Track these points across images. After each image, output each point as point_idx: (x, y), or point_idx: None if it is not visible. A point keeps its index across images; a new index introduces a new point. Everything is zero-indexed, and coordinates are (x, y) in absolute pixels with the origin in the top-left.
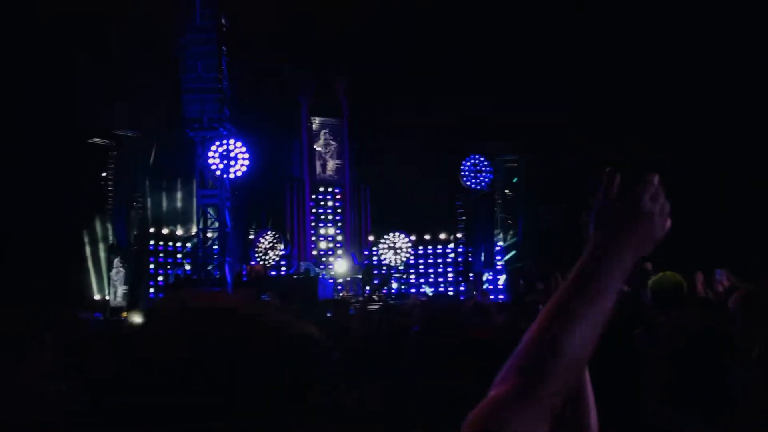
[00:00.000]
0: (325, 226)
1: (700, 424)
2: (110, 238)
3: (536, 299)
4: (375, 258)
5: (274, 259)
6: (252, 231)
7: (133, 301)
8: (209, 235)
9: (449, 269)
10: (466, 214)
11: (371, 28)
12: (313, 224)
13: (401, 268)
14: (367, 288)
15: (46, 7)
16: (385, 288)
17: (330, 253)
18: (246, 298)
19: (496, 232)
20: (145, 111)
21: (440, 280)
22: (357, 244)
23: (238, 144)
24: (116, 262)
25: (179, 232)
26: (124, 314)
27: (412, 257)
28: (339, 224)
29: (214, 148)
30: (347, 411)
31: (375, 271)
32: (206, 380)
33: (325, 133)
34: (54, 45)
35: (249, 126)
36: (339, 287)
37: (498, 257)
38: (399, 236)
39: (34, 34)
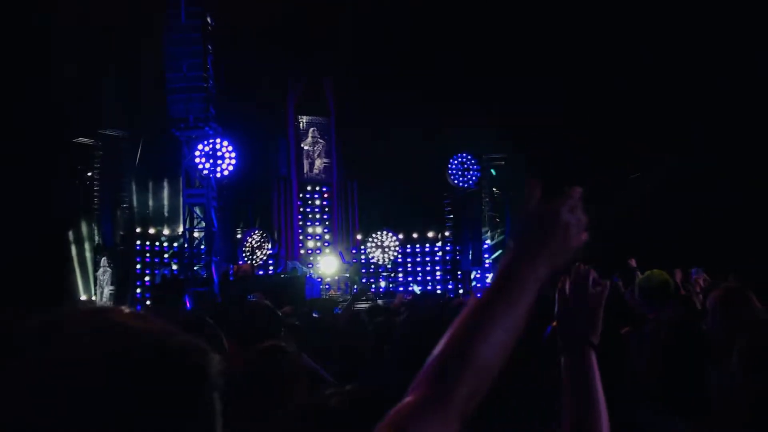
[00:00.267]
0: (313, 224)
1: (681, 426)
2: (96, 237)
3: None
4: (363, 257)
5: (261, 259)
6: (239, 230)
7: (119, 301)
8: (196, 234)
9: (437, 267)
10: (453, 213)
11: (359, 26)
12: (300, 223)
13: (389, 266)
14: (355, 287)
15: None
16: (373, 288)
17: (318, 251)
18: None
19: (484, 230)
20: (130, 110)
21: (428, 278)
22: (345, 242)
23: (225, 143)
24: (103, 261)
25: (166, 231)
26: None
27: (400, 256)
28: (327, 223)
29: (200, 147)
30: (331, 412)
31: (363, 270)
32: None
33: (312, 132)
34: (36, 43)
35: (235, 125)
36: (326, 286)
37: (486, 255)
38: (387, 235)
39: (17, 33)
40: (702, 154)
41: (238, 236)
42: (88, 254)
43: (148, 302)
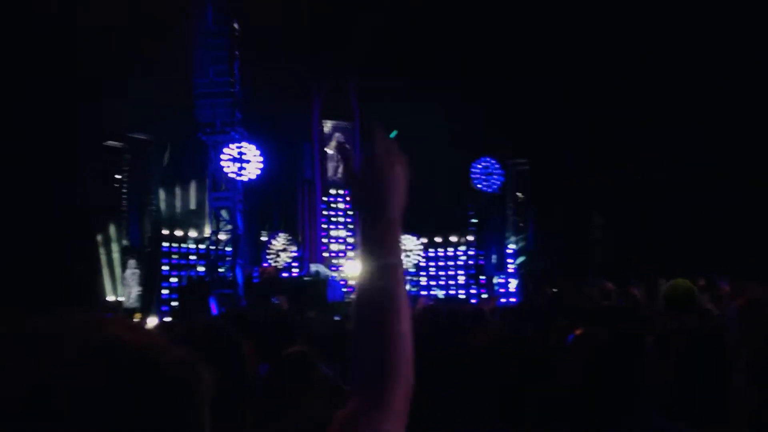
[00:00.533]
0: (337, 228)
1: None
2: (124, 239)
3: (544, 304)
4: None
5: (285, 261)
6: (264, 233)
7: (146, 302)
8: (221, 237)
9: (460, 272)
10: (477, 217)
11: (383, 31)
12: (324, 226)
13: (411, 270)
14: None
15: (61, 9)
16: None
17: (341, 255)
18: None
19: (507, 235)
20: (157, 114)
21: (451, 282)
22: None
23: (251, 147)
24: (131, 263)
25: (192, 234)
26: (138, 316)
27: (422, 260)
28: (350, 226)
29: (227, 151)
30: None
31: None
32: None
33: (336, 136)
34: (66, 47)
35: (261, 129)
36: (349, 289)
37: (510, 260)
38: (409, 238)
39: (48, 36)
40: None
41: (263, 239)
42: (115, 255)
43: (174, 303)
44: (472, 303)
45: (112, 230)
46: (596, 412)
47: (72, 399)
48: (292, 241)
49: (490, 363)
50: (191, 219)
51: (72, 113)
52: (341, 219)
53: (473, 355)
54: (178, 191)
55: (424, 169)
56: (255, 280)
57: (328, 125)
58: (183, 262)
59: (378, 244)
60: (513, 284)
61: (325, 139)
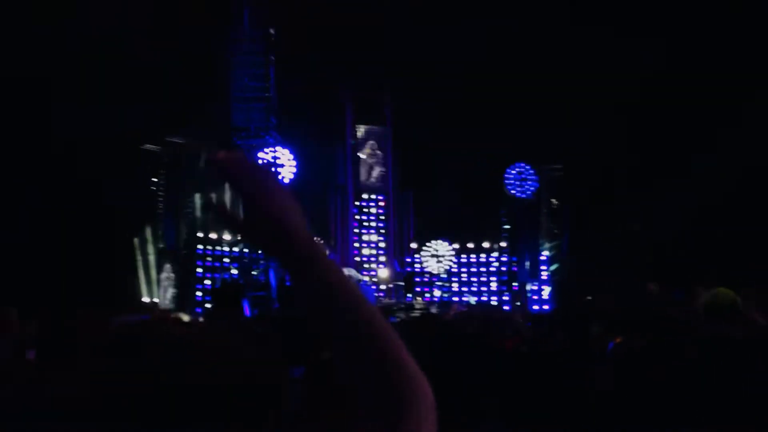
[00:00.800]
0: (368, 232)
1: None
2: (160, 242)
3: (585, 312)
4: (417, 265)
5: None
6: None
7: (180, 303)
8: None
9: (492, 278)
10: (510, 223)
11: (416, 38)
12: (356, 231)
13: (443, 276)
14: (408, 295)
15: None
16: (427, 297)
17: (372, 259)
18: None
19: (541, 241)
20: (194, 119)
21: (483, 289)
22: (399, 251)
23: (285, 151)
24: (167, 266)
25: (226, 237)
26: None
27: (454, 265)
28: (382, 231)
29: (261, 155)
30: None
31: (417, 279)
32: None
33: (369, 142)
34: (105, 54)
35: (295, 134)
36: (380, 294)
37: (543, 267)
38: (442, 244)
39: (85, 45)
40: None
41: None
42: (151, 257)
43: (207, 305)
44: (505, 309)
45: (148, 233)
46: (632, 417)
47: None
48: (324, 244)
49: (518, 369)
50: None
51: (110, 117)
52: (373, 224)
53: (503, 361)
54: (213, 194)
55: (457, 174)
56: (287, 283)
57: (361, 130)
58: (217, 264)
59: (309, 285)
60: (546, 291)
61: (358, 144)
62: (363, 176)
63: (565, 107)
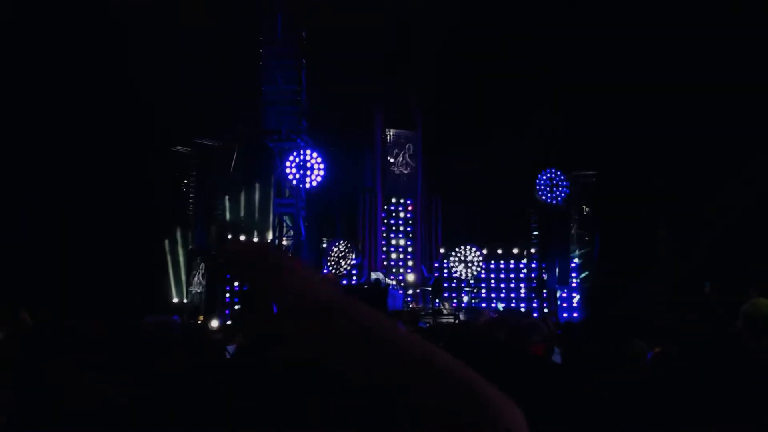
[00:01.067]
0: (396, 237)
1: None
2: (190, 243)
3: (612, 320)
4: (445, 271)
5: (345, 269)
6: (324, 240)
7: (210, 305)
8: (284, 243)
9: (522, 285)
10: (540, 229)
11: (446, 41)
12: (384, 235)
13: (472, 281)
14: (437, 301)
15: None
16: (455, 303)
17: (400, 264)
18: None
19: (571, 248)
20: (226, 121)
21: (512, 295)
22: (427, 256)
23: (314, 155)
24: (198, 266)
25: (255, 238)
26: (200, 317)
27: (483, 271)
28: (410, 235)
29: (291, 158)
30: None
31: (445, 284)
32: None
33: (398, 145)
34: (137, 54)
35: (325, 137)
36: (408, 299)
37: (573, 274)
38: (470, 249)
39: (117, 46)
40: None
41: (323, 246)
42: (181, 258)
43: (236, 307)
44: (534, 316)
45: (178, 234)
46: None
47: None
48: (352, 248)
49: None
50: (254, 224)
51: (142, 119)
52: (401, 228)
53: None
54: (242, 197)
55: (487, 179)
56: None
57: (390, 134)
58: None
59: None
60: (576, 299)
61: (387, 148)
62: (391, 180)
63: (601, 112)
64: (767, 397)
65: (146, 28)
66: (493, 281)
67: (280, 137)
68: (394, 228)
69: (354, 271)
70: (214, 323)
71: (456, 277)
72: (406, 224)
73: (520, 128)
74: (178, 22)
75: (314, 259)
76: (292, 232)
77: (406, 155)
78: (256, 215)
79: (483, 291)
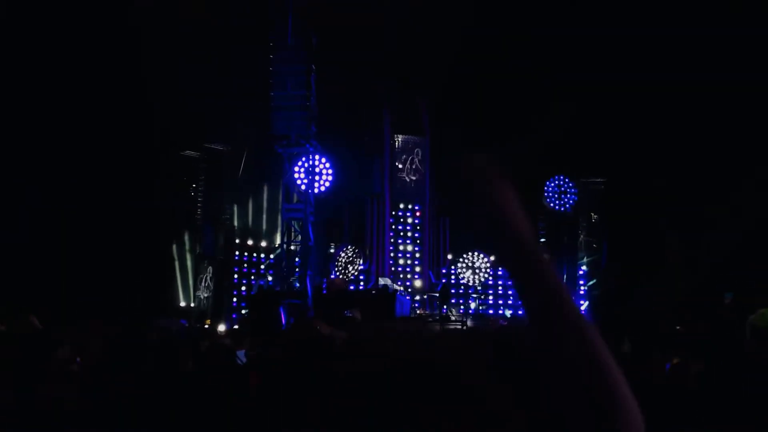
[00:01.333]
0: (404, 242)
1: None
2: (197, 247)
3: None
4: (453, 277)
5: (353, 274)
6: (332, 245)
7: (217, 309)
8: (292, 248)
9: None
10: (548, 236)
11: (456, 47)
12: (392, 240)
13: (479, 288)
14: (444, 307)
15: (142, 23)
16: (462, 309)
17: (408, 269)
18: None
19: (579, 255)
20: (235, 126)
21: (519, 302)
22: (435, 262)
23: (323, 160)
24: (205, 270)
25: (263, 243)
26: (207, 321)
27: (491, 277)
28: (418, 241)
29: (300, 163)
30: None
31: (452, 290)
32: None
33: (407, 150)
34: (146, 59)
35: (333, 142)
36: (416, 305)
37: (581, 282)
38: (478, 256)
39: (127, 52)
40: None
41: (331, 251)
42: (189, 263)
43: (243, 312)
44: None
45: (186, 238)
46: None
47: None
48: (360, 253)
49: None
50: (262, 229)
51: (150, 123)
52: (409, 233)
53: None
54: (251, 201)
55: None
56: (323, 292)
57: (399, 140)
58: (253, 271)
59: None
60: (584, 306)
61: (396, 154)
62: (400, 186)
63: (609, 120)
64: (766, 398)
65: (156, 31)
66: (500, 288)
67: (289, 142)
68: (402, 233)
69: (361, 277)
70: (221, 327)
71: (463, 284)
72: (414, 230)
73: (529, 133)
74: (188, 27)
75: (321, 264)
76: (300, 237)
77: (415, 161)
78: (265, 220)
79: (490, 298)
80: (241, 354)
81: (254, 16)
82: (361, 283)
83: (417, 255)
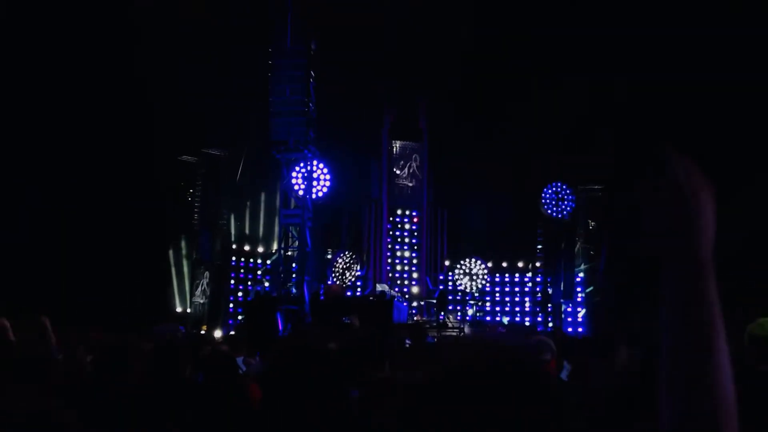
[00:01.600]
0: (402, 248)
1: None
2: (194, 252)
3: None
4: (450, 283)
5: (350, 280)
6: (330, 251)
7: (213, 315)
8: (289, 253)
9: (527, 298)
10: (545, 243)
11: (455, 53)
12: (389, 246)
13: (477, 294)
14: (441, 314)
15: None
16: (459, 316)
17: (405, 276)
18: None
19: (576, 263)
20: (233, 131)
21: (517, 309)
22: (432, 268)
23: (321, 165)
24: (202, 276)
25: (260, 249)
26: (204, 327)
27: (488, 284)
28: (415, 247)
29: (297, 168)
30: None
31: (449, 297)
32: None
33: (404, 156)
34: (145, 61)
35: (331, 147)
36: (413, 311)
37: (578, 289)
38: (475, 262)
39: (127, 52)
40: None
41: (329, 257)
42: (185, 268)
43: (240, 318)
44: (539, 330)
45: (183, 243)
46: None
47: None
48: (357, 259)
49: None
50: (260, 234)
51: (149, 127)
52: (407, 240)
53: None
54: (248, 207)
55: (492, 192)
56: (321, 298)
57: (397, 145)
58: (250, 276)
59: (691, 295)
60: (581, 313)
61: (394, 159)
62: (397, 191)
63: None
64: (764, 406)
65: (155, 34)
66: (498, 294)
67: (287, 148)
68: (399, 239)
69: (359, 283)
70: (218, 333)
71: (461, 290)
72: (411, 236)
73: (528, 140)
74: (187, 27)
75: (318, 270)
76: (297, 243)
77: (413, 166)
78: (262, 225)
79: (488, 304)
80: (239, 361)
81: (254, 16)
82: (359, 290)
83: (414, 261)
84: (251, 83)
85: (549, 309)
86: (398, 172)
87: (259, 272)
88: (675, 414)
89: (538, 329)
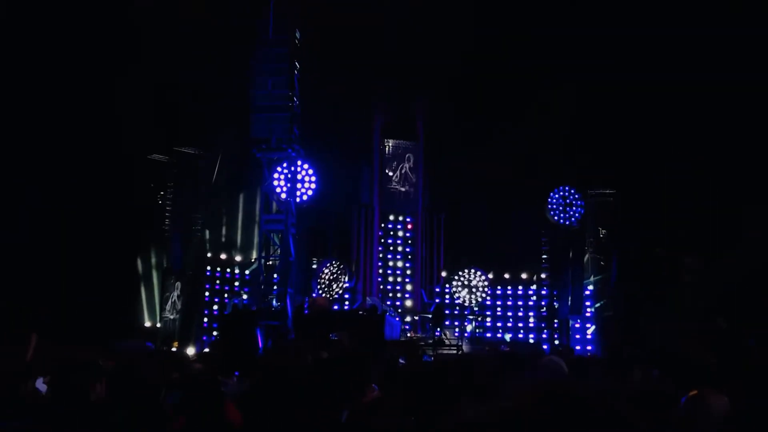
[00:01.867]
0: (394, 258)
1: None
2: (165, 261)
3: (637, 355)
4: (447, 296)
5: (337, 292)
6: (315, 260)
7: (185, 330)
8: (270, 263)
9: (531, 313)
10: (551, 253)
11: (453, 48)
12: (381, 256)
13: (476, 309)
14: (438, 330)
15: (114, 18)
16: (457, 332)
17: (398, 288)
18: None
19: (585, 274)
20: (209, 128)
21: (520, 325)
22: (428, 279)
23: (306, 166)
24: (174, 287)
25: (238, 258)
26: (175, 343)
27: (488, 297)
28: (409, 257)
29: (280, 169)
30: None
31: (447, 311)
32: None
33: (398, 156)
34: (116, 55)
35: (318, 147)
36: (406, 327)
37: (587, 303)
38: (475, 273)
39: (96, 45)
40: None
41: (314, 266)
42: (155, 279)
43: (215, 333)
44: (544, 348)
45: (152, 251)
46: None
47: None
48: (345, 270)
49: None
50: (237, 242)
51: (116, 125)
52: (400, 248)
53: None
54: (225, 211)
55: (494, 196)
56: (305, 312)
57: (389, 145)
58: (227, 288)
59: None
60: (590, 330)
61: (386, 160)
62: (390, 195)
63: (618, 127)
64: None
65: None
66: (499, 309)
67: (269, 146)
68: (391, 248)
69: (347, 296)
70: (191, 350)
71: (459, 304)
72: (405, 244)
73: (531, 141)
74: (165, 21)
75: (302, 281)
76: (279, 251)
77: (406, 168)
78: (240, 232)
79: (488, 319)
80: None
81: (234, 9)
82: (347, 303)
83: (408, 272)
84: (231, 75)
85: (555, 325)
86: (391, 173)
87: (236, 283)
88: None
89: (544, 347)
